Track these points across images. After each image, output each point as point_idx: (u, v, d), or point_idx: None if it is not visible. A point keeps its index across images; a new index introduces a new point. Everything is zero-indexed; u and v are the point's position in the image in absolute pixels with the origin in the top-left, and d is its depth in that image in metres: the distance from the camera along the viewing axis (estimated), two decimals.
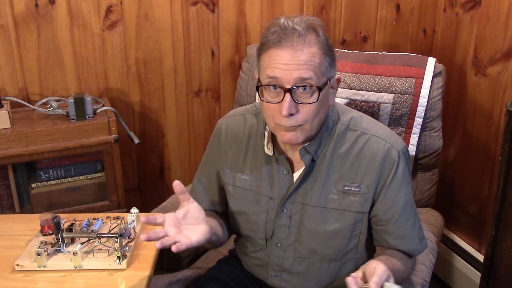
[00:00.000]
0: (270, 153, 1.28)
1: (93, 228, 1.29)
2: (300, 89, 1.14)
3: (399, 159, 1.24)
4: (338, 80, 1.24)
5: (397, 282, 1.13)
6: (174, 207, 1.67)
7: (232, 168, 1.36)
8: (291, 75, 1.12)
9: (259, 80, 1.20)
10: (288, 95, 1.13)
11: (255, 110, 1.37)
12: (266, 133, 1.29)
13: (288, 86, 1.13)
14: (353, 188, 1.25)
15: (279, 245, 1.33)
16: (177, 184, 1.17)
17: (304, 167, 1.26)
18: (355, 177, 1.25)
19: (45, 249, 1.22)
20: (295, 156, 1.28)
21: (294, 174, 1.29)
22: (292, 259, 1.33)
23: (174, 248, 1.09)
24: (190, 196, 1.21)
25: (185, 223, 1.18)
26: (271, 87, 1.16)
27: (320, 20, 1.20)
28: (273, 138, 1.30)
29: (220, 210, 1.43)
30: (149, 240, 1.09)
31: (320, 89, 1.15)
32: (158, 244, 1.08)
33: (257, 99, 1.82)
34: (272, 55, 1.14)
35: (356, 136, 1.26)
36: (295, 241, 1.31)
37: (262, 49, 1.17)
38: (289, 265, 1.33)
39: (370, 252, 1.33)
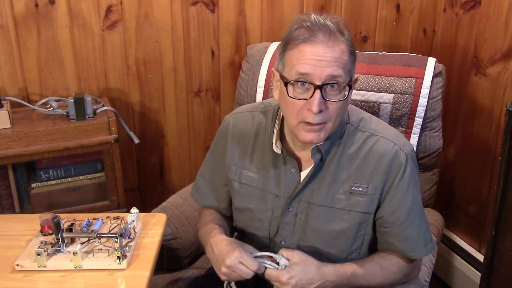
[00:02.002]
0: (279, 151, 1.28)
1: (93, 228, 1.29)
2: (329, 86, 1.13)
3: (406, 162, 1.24)
4: (355, 80, 1.24)
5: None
6: (174, 207, 1.67)
7: (238, 165, 1.36)
8: (322, 72, 1.12)
9: (284, 77, 1.17)
10: (318, 92, 1.12)
11: (263, 107, 1.37)
12: (275, 131, 1.29)
13: (318, 83, 1.12)
14: (360, 189, 1.25)
15: (283, 243, 1.33)
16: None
17: (311, 166, 1.26)
18: (362, 178, 1.25)
19: (45, 249, 1.22)
20: (303, 154, 1.28)
21: (301, 173, 1.29)
22: None
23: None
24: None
25: None
26: (299, 83, 1.14)
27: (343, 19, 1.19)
28: (281, 136, 1.29)
29: (224, 206, 1.43)
30: None
31: (350, 86, 1.15)
32: None
33: (261, 98, 1.82)
34: (302, 50, 1.13)
35: (365, 137, 1.26)
36: (299, 240, 1.31)
37: (290, 44, 1.15)
38: None
39: (373, 253, 1.33)
